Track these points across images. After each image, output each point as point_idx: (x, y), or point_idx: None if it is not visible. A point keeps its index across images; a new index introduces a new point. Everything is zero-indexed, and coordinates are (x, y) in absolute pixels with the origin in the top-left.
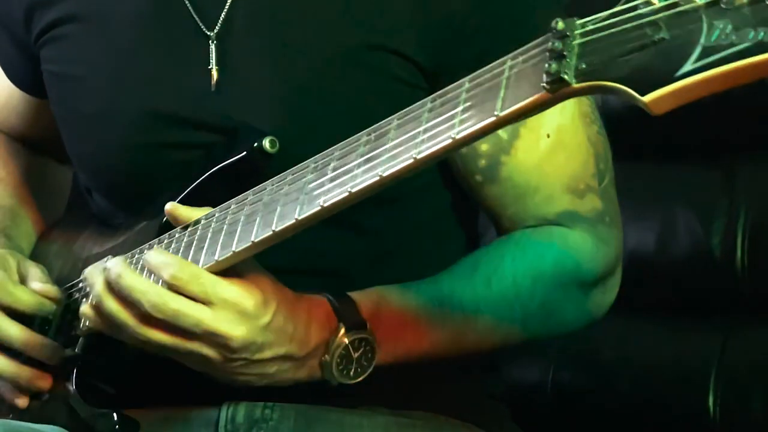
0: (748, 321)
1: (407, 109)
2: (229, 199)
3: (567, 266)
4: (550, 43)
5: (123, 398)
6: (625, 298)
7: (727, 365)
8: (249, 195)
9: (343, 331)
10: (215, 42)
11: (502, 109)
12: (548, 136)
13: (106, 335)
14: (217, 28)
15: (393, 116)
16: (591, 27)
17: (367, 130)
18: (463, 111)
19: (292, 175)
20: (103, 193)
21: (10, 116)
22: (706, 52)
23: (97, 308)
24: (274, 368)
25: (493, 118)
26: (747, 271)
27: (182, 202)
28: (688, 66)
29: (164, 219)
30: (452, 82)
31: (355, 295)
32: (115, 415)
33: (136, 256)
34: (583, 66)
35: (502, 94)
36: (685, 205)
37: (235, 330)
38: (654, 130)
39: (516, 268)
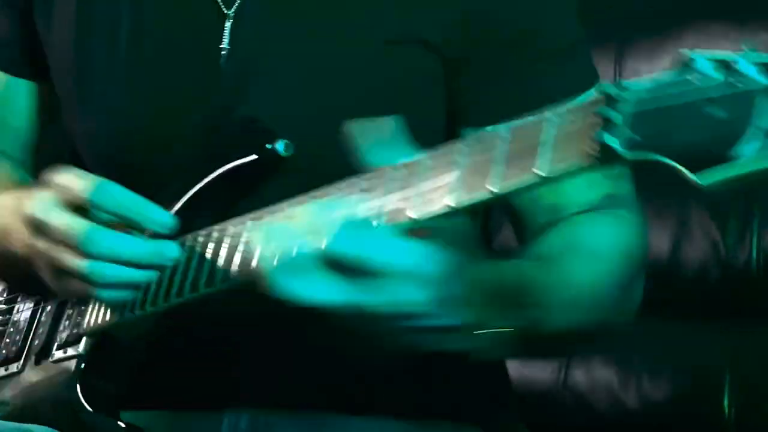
0: (764, 322)
1: (439, 150)
2: (235, 200)
3: (636, 246)
4: (600, 108)
5: (126, 401)
6: (642, 298)
7: (742, 366)
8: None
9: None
10: (231, 20)
11: (544, 169)
12: None
13: (111, 334)
14: (234, 6)
15: (425, 156)
16: (644, 96)
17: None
18: (501, 164)
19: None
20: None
21: (4, 113)
22: (759, 134)
23: None
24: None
25: (533, 178)
26: (762, 271)
27: (187, 202)
28: (741, 146)
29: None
30: (472, 73)
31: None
32: (122, 423)
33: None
34: (637, 138)
35: (544, 153)
36: (700, 205)
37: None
38: None
39: (608, 246)
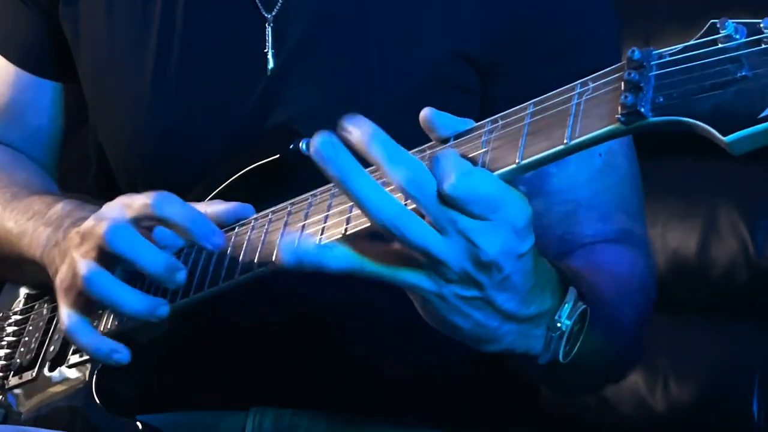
0: None
1: (465, 131)
2: (261, 200)
3: (650, 286)
4: (625, 73)
5: (144, 403)
6: (666, 299)
7: None
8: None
9: (574, 299)
10: (272, 25)
11: (572, 138)
12: (600, 155)
13: (127, 336)
14: (275, 9)
15: (451, 135)
16: (669, 59)
17: (421, 147)
18: (529, 136)
19: None
20: (128, 182)
21: (27, 115)
22: None
23: None
24: (495, 322)
25: (561, 147)
26: None
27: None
28: None
29: None
30: (510, 85)
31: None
32: (139, 424)
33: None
34: (661, 100)
35: (571, 122)
36: (729, 202)
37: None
38: None
39: (628, 276)
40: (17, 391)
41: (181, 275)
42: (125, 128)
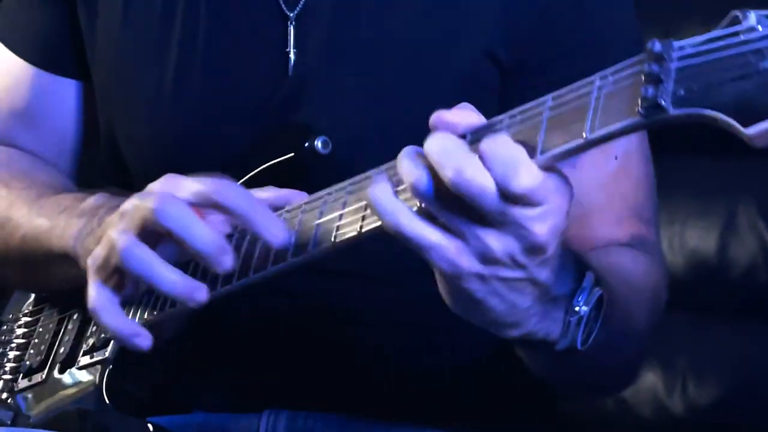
0: None
1: (482, 126)
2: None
3: (662, 293)
4: (645, 66)
5: (155, 405)
6: (685, 299)
7: None
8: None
9: (591, 283)
10: (294, 23)
11: (591, 131)
12: (616, 158)
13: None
14: (298, 8)
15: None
16: (690, 51)
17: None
18: (548, 130)
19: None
20: (144, 179)
21: (50, 119)
22: None
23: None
24: (528, 302)
25: (580, 141)
26: None
27: None
28: None
29: None
30: (531, 83)
31: None
32: (150, 426)
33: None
34: (681, 92)
35: (590, 115)
36: (748, 200)
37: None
38: None
39: (641, 279)
40: (27, 393)
41: (229, 260)
42: (144, 125)
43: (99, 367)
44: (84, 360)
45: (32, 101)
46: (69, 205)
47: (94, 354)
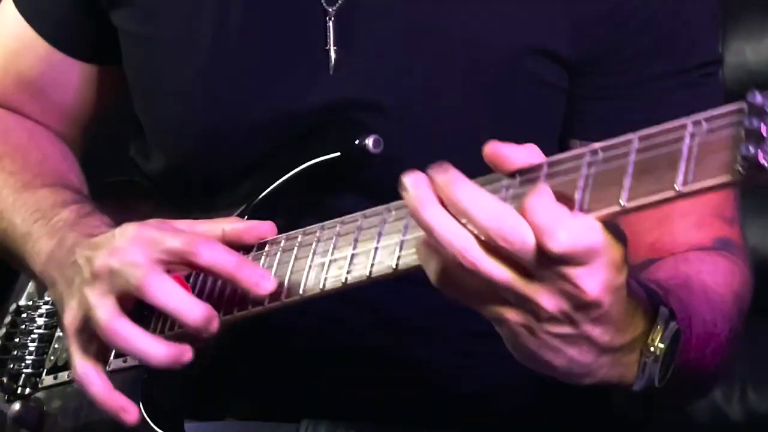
0: None
1: (558, 156)
2: (317, 200)
3: (747, 297)
4: (746, 121)
5: (192, 414)
6: None
7: None
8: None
9: (665, 319)
10: (334, 19)
11: (684, 184)
12: None
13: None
14: (338, 3)
15: (543, 161)
16: None
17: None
18: (634, 176)
19: None
20: (173, 177)
21: (50, 90)
22: None
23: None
24: (589, 358)
25: (671, 193)
26: None
27: (265, 198)
28: None
29: (239, 211)
30: (602, 83)
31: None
32: None
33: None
34: None
35: (683, 167)
36: None
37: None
38: None
39: (723, 287)
40: (52, 391)
41: (216, 323)
42: (175, 119)
43: (133, 372)
44: (116, 363)
45: (41, 74)
46: (45, 213)
47: (128, 358)
